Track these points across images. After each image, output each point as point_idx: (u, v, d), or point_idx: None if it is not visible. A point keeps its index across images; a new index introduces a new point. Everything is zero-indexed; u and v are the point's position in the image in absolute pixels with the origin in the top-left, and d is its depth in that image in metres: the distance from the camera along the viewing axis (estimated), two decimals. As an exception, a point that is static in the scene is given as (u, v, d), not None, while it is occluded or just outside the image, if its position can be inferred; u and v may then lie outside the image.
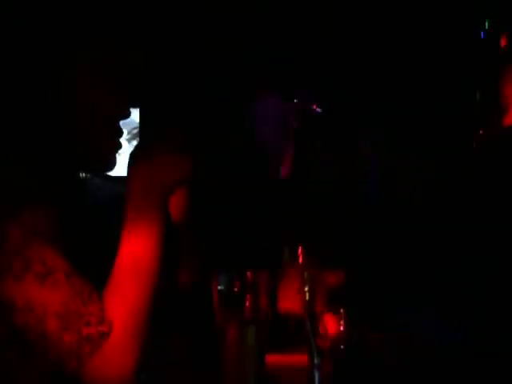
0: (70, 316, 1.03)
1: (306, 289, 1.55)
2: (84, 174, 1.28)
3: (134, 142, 4.55)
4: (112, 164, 1.26)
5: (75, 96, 1.18)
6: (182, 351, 2.18)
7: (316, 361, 1.60)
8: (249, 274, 1.64)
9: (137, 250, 1.12)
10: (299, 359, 1.71)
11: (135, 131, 4.55)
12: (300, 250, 2.01)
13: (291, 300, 1.76)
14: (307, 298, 1.56)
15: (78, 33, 1.16)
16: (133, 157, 1.19)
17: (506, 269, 2.34)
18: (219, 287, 1.64)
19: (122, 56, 1.21)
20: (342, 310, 1.60)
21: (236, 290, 1.62)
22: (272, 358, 1.71)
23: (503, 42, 2.91)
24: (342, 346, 1.61)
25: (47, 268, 1.04)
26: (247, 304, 1.62)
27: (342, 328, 1.63)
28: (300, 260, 2.00)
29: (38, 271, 1.03)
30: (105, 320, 1.06)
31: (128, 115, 1.28)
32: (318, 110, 3.54)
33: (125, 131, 4.75)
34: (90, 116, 1.21)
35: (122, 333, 1.07)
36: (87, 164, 1.22)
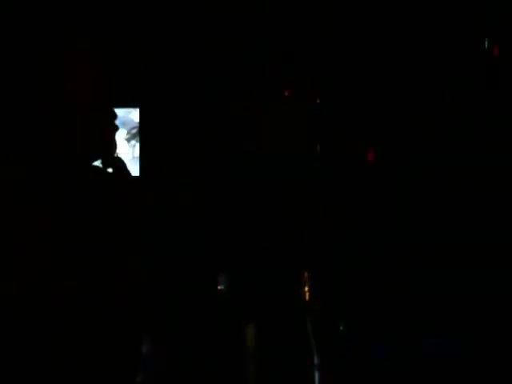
0: None
1: (306, 289, 1.55)
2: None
3: (134, 142, 4.57)
4: (113, 146, 1.26)
5: (68, 85, 1.18)
6: (181, 351, 2.18)
7: (316, 361, 1.61)
8: (249, 274, 1.64)
9: None
10: (299, 358, 1.71)
11: (134, 131, 4.55)
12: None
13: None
14: (307, 298, 1.56)
15: (67, 26, 1.16)
16: None
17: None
18: (219, 287, 1.64)
19: (110, 44, 1.21)
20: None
21: (237, 290, 1.62)
22: (272, 358, 1.71)
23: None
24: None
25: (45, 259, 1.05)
26: (248, 304, 1.62)
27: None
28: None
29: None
30: None
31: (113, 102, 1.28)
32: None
33: (124, 131, 4.74)
34: (85, 104, 1.21)
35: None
36: (89, 150, 1.22)
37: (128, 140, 4.18)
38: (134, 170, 3.96)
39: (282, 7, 3.60)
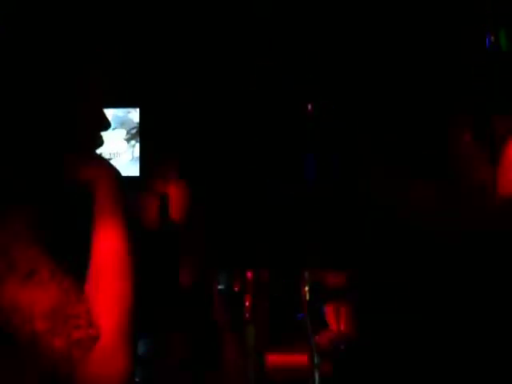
0: (58, 317, 1.01)
1: (307, 289, 1.55)
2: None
3: (133, 142, 4.57)
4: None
5: (85, 102, 1.18)
6: (182, 351, 2.18)
7: (316, 361, 1.61)
8: (249, 274, 1.64)
9: (108, 246, 1.11)
10: (299, 359, 1.71)
11: (134, 131, 4.55)
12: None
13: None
14: (307, 298, 1.56)
15: (89, 45, 1.17)
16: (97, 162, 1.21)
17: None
18: (219, 287, 1.64)
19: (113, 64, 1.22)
20: (343, 309, 1.60)
21: (236, 289, 1.62)
22: (272, 358, 1.71)
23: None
24: (342, 346, 1.61)
25: (31, 267, 1.03)
26: (247, 304, 1.62)
27: (342, 327, 1.63)
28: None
29: (22, 271, 1.02)
30: (93, 322, 1.03)
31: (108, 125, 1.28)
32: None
33: (124, 131, 4.76)
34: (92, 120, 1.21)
35: (112, 333, 1.05)
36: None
37: (127, 140, 4.18)
38: (134, 170, 3.96)
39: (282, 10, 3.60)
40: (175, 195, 2.63)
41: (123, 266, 1.10)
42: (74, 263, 1.11)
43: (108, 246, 1.11)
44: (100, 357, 1.04)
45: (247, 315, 1.58)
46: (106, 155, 3.98)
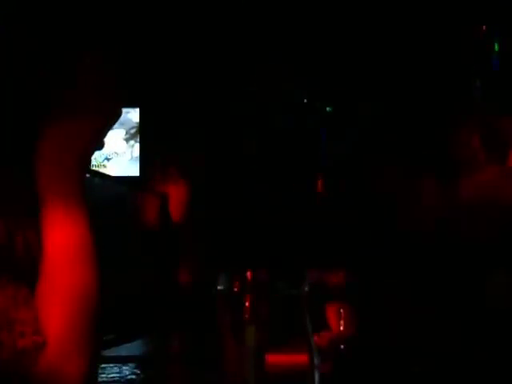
0: (1, 324, 0.89)
1: (306, 289, 1.55)
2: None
3: (132, 142, 4.58)
4: None
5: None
6: (182, 351, 2.18)
7: (316, 361, 1.61)
8: (249, 274, 1.64)
9: (63, 237, 0.95)
10: (299, 359, 1.71)
11: (133, 131, 4.57)
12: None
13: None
14: (307, 298, 1.56)
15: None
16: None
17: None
18: (219, 287, 1.64)
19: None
20: (341, 310, 1.60)
21: (236, 290, 1.62)
22: (272, 358, 1.71)
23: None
24: (342, 346, 1.61)
25: None
26: (247, 304, 1.62)
27: (341, 328, 1.63)
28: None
29: None
30: (40, 329, 0.92)
31: None
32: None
33: (123, 131, 4.74)
34: None
35: (63, 336, 0.94)
36: None
37: (127, 140, 4.19)
38: (134, 170, 3.97)
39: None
40: (175, 195, 2.63)
41: (82, 256, 0.95)
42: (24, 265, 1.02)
43: (62, 232, 0.95)
44: (52, 361, 0.95)
45: (247, 316, 1.58)
46: (105, 155, 3.98)
